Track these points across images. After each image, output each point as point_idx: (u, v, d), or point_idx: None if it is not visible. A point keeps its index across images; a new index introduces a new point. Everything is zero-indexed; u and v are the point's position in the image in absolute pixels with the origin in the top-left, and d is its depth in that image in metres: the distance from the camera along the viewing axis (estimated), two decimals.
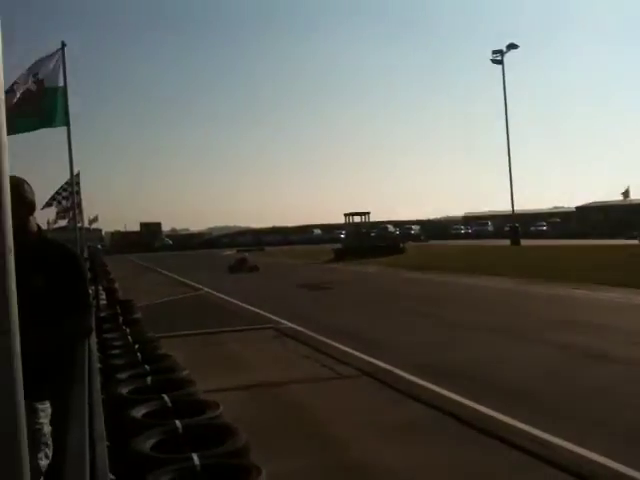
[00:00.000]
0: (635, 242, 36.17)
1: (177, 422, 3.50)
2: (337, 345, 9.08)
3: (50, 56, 9.56)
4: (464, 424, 5.34)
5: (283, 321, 11.67)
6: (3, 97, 0.98)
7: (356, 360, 8.03)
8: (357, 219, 41.26)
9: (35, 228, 2.78)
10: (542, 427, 5.05)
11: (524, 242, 41.45)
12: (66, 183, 19.47)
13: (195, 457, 3.04)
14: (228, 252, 56.48)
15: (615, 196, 69.93)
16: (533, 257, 27.89)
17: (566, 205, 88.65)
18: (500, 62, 45.32)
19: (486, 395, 6.10)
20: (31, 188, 2.76)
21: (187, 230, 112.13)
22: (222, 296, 17.03)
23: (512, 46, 44.90)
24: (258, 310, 13.51)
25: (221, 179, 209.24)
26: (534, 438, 4.88)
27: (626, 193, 67.27)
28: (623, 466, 4.23)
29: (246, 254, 38.14)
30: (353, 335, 10.03)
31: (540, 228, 64.40)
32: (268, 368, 7.95)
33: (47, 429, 2.57)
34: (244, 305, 14.67)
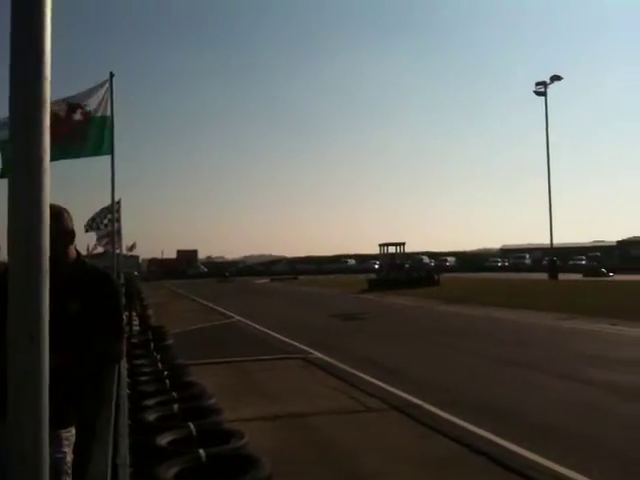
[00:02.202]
0: None
1: (201, 451, 3.53)
2: (367, 377, 9.01)
3: (98, 86, 9.87)
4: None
5: (313, 351, 11.64)
6: (48, 125, 1.03)
7: (385, 393, 7.96)
8: (392, 250, 41.07)
9: (74, 255, 2.83)
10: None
11: (562, 276, 40.68)
12: (107, 209, 19.95)
13: None
14: (261, 280, 56.82)
15: None
16: (569, 292, 27.33)
17: (607, 239, 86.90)
18: (543, 94, 45.05)
19: (520, 433, 5.98)
20: (71, 217, 2.83)
21: (222, 258, 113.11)
22: (253, 325, 17.09)
23: (556, 78, 44.59)
24: (288, 339, 13.51)
25: (257, 208, 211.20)
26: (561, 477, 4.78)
27: None
28: None
29: (226, 273, 60.75)
30: (384, 368, 9.94)
31: (579, 262, 63.15)
32: (296, 398, 7.91)
33: (69, 458, 2.57)
34: (274, 334, 14.68)
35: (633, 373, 8.99)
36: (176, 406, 4.67)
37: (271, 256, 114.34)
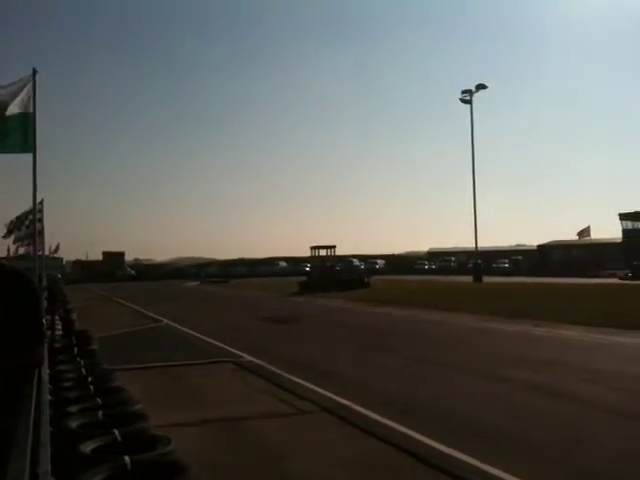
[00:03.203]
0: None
1: (126, 458, 3.44)
2: (297, 380, 9.02)
3: (19, 82, 9.49)
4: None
5: (244, 355, 11.56)
6: None
7: (316, 395, 7.98)
8: (323, 252, 41.40)
9: None
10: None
11: (486, 279, 42.02)
12: (28, 212, 19.19)
13: None
14: (191, 283, 56.02)
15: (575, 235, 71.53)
16: (493, 294, 28.25)
17: (528, 243, 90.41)
18: (469, 102, 46.38)
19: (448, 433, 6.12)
20: None
21: (151, 260, 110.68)
22: (183, 328, 16.81)
23: (481, 86, 45.97)
24: (219, 343, 13.37)
25: (186, 209, 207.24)
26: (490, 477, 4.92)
27: (586, 232, 68.90)
28: None
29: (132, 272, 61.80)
30: (314, 370, 9.99)
31: (502, 265, 65.48)
32: (225, 403, 7.84)
33: None
34: (205, 338, 14.49)
35: (554, 374, 9.35)
36: (100, 412, 4.54)
37: (201, 258, 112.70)
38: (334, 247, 41.07)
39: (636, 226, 74.36)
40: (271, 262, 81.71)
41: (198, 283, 56.60)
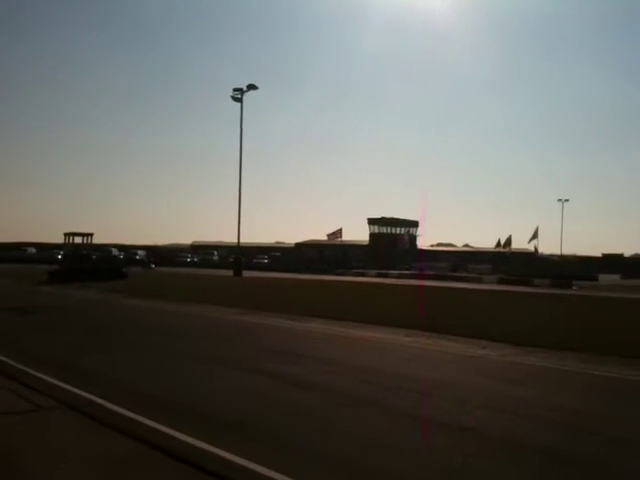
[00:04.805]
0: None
1: None
2: (40, 375, 8.36)
3: None
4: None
5: None
6: None
7: (58, 391, 7.48)
8: (79, 240, 38.94)
9: None
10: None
11: (246, 273, 43.22)
12: None
13: None
14: None
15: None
16: (252, 288, 29.18)
17: (287, 241, 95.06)
18: (240, 100, 47.17)
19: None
20: None
21: None
22: None
23: (252, 87, 47.09)
24: None
25: None
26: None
27: (337, 233, 74.30)
28: None
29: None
30: (60, 364, 9.35)
31: (262, 261, 68.00)
32: None
33: None
34: None
35: (299, 365, 9.93)
36: None
37: None
38: (91, 235, 38.90)
39: (381, 230, 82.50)
40: (18, 247, 74.62)
41: None
